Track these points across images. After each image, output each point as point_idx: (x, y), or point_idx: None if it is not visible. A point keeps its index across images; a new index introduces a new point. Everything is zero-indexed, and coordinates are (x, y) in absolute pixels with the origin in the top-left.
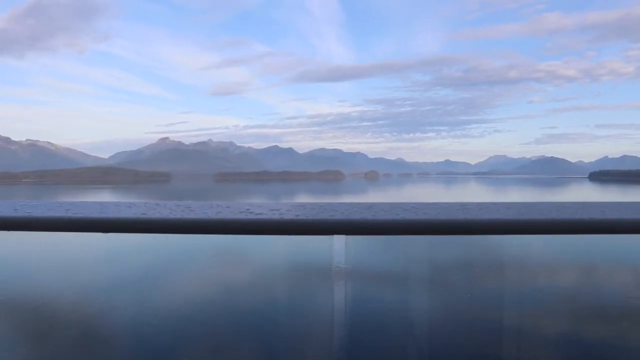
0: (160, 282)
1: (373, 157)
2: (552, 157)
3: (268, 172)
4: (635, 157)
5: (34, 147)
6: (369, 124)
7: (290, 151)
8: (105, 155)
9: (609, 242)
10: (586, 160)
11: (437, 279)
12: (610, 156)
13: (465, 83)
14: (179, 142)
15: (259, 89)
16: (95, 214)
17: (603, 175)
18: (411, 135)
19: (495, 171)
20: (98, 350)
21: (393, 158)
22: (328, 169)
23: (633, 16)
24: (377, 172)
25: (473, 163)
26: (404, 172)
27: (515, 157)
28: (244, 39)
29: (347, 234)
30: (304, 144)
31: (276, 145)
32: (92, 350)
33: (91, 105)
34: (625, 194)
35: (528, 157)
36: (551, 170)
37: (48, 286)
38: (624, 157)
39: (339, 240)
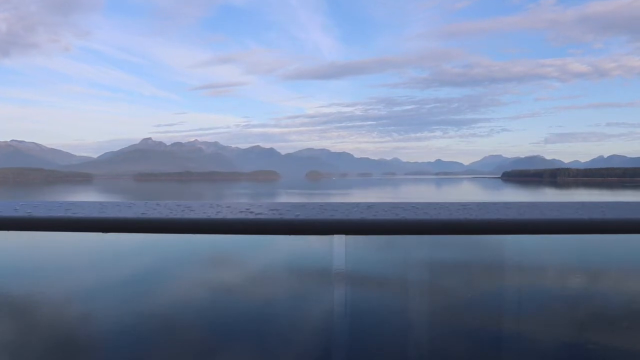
0: (161, 282)
1: (358, 157)
2: (540, 157)
3: (190, 172)
4: (624, 156)
5: (11, 148)
6: (374, 122)
7: (270, 151)
8: (95, 154)
9: (609, 242)
10: (582, 160)
11: (437, 278)
12: (605, 156)
13: (466, 80)
14: (160, 143)
15: (256, 88)
16: (95, 213)
17: (507, 175)
18: (418, 134)
19: (477, 171)
20: (98, 350)
21: (389, 158)
22: (263, 169)
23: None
24: (319, 172)
25: (467, 163)
26: (389, 172)
27: (510, 157)
28: (233, 36)
29: (347, 234)
30: (300, 144)
31: (258, 146)
32: (92, 350)
33: (88, 105)
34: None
35: (522, 157)
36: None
37: (48, 286)
38: (613, 157)
39: (339, 240)
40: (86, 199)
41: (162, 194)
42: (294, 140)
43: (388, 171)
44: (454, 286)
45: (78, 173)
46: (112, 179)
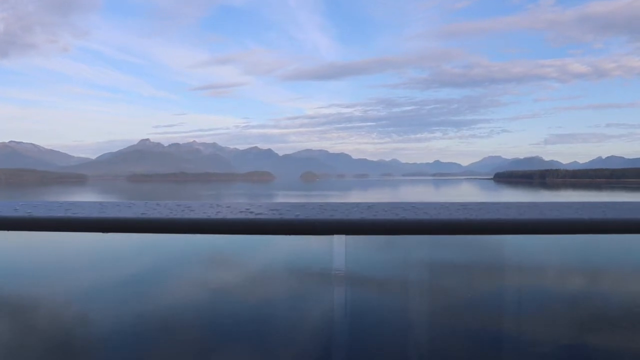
0: (161, 282)
1: (357, 158)
2: (538, 158)
3: (184, 173)
4: (622, 157)
5: (8, 149)
6: (373, 123)
7: (268, 153)
8: (94, 155)
9: (609, 242)
10: (581, 161)
11: (437, 279)
12: (603, 156)
13: (465, 80)
14: (158, 144)
15: (256, 88)
16: (95, 213)
17: (499, 176)
18: (418, 135)
19: (475, 172)
20: (99, 350)
21: (388, 159)
22: (257, 171)
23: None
24: (314, 173)
25: (466, 164)
26: (386, 173)
27: (509, 158)
28: (232, 36)
29: (347, 234)
30: (300, 144)
31: (256, 147)
32: (92, 350)
33: (87, 105)
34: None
35: (521, 158)
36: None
37: (48, 286)
38: (611, 158)
39: (339, 240)
40: (74, 199)
41: (151, 194)
42: (294, 141)
43: (386, 172)
44: (454, 286)
45: (72, 174)
46: (105, 180)
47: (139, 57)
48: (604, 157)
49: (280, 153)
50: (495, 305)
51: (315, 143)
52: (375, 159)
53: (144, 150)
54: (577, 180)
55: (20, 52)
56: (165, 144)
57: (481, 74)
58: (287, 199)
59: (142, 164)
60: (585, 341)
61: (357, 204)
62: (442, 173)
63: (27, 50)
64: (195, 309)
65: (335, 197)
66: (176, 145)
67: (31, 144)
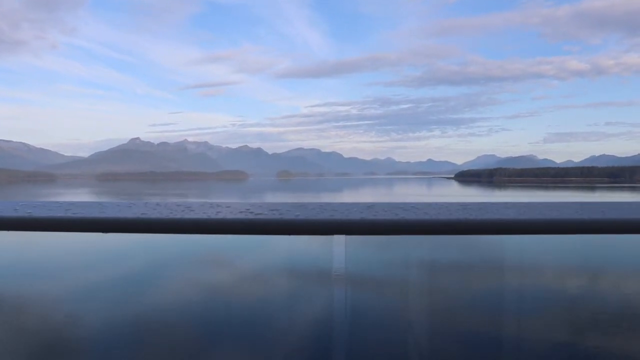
0: (160, 283)
1: (348, 156)
2: (531, 156)
3: (154, 172)
4: (614, 156)
5: None
6: (370, 122)
7: (257, 151)
8: (88, 154)
9: (609, 242)
10: (575, 159)
11: (437, 279)
12: (596, 155)
13: (462, 78)
14: (147, 143)
15: (250, 86)
16: (95, 213)
17: (457, 176)
18: (417, 134)
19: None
20: (98, 351)
21: (382, 158)
22: (231, 170)
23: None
24: (290, 172)
25: (460, 162)
26: (371, 171)
27: (503, 156)
28: (224, 33)
29: (347, 234)
30: (297, 143)
31: (246, 145)
32: (91, 350)
33: (82, 103)
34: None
35: (514, 156)
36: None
37: (48, 286)
38: (602, 156)
39: (339, 240)
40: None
41: (99, 193)
42: (292, 139)
43: (371, 171)
44: (454, 286)
45: (41, 173)
46: (75, 179)
47: (130, 55)
48: (597, 155)
49: (271, 152)
50: (495, 305)
51: (314, 142)
52: (369, 158)
53: (133, 150)
54: (522, 179)
55: (9, 50)
56: (156, 143)
57: (477, 71)
58: (227, 199)
59: (128, 163)
60: (584, 341)
61: (357, 204)
62: (425, 172)
63: (15, 47)
64: (196, 309)
65: (285, 196)
66: (165, 144)
67: (21, 142)
